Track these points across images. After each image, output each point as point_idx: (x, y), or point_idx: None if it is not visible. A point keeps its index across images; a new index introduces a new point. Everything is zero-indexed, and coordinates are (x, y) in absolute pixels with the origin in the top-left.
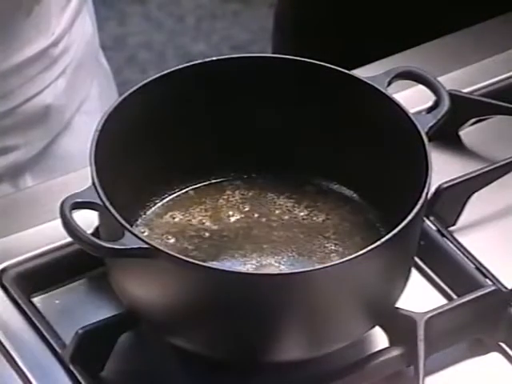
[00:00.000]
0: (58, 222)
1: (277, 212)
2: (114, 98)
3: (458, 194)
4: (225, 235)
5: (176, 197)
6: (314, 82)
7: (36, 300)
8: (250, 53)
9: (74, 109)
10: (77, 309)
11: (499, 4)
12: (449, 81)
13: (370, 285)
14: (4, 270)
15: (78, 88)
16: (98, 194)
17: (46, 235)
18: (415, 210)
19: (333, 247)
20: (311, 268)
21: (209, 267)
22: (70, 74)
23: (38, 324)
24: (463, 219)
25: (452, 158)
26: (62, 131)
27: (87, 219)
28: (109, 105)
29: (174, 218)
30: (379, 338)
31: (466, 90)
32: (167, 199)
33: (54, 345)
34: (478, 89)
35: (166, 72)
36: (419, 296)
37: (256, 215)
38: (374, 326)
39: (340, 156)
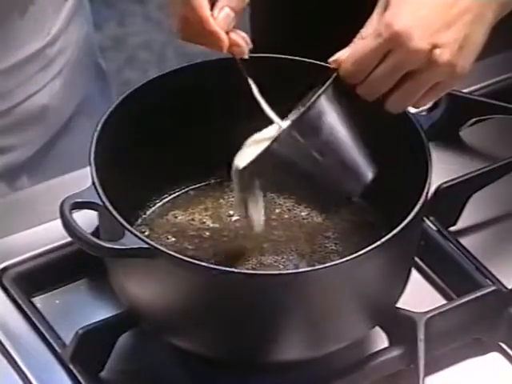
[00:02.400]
0: (58, 222)
1: (277, 211)
2: (112, 99)
3: (458, 193)
4: (225, 235)
5: (176, 197)
6: (315, 82)
7: (36, 300)
8: (250, 53)
9: (72, 109)
10: (77, 309)
11: None
12: None
13: (370, 285)
14: (4, 269)
15: (75, 88)
16: (98, 193)
17: (46, 235)
18: (415, 210)
19: (333, 247)
20: (311, 268)
21: (209, 267)
22: (67, 74)
23: (38, 324)
24: (463, 219)
25: (452, 158)
26: (59, 132)
27: (87, 219)
28: (107, 106)
29: (174, 218)
30: (379, 338)
31: (466, 90)
32: (167, 199)
33: (54, 345)
34: (478, 89)
35: (165, 72)
36: (419, 296)
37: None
38: (374, 326)
39: None
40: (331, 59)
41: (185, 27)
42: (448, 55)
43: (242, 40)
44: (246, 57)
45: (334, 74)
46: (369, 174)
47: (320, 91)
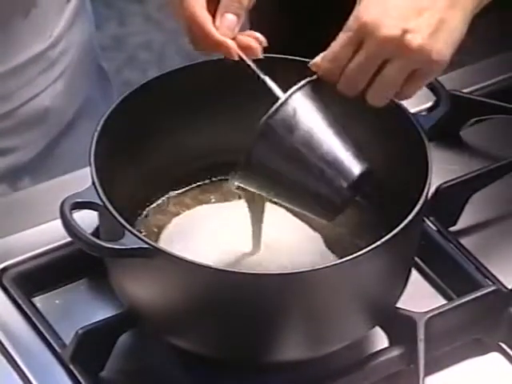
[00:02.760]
0: (58, 222)
1: (274, 213)
2: (113, 101)
3: (458, 193)
4: (225, 234)
5: (176, 197)
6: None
7: (36, 300)
8: None
9: (73, 111)
10: (77, 309)
11: (499, 5)
12: (449, 81)
13: (370, 285)
14: (4, 269)
15: (77, 90)
16: (98, 193)
17: (46, 235)
18: (415, 210)
19: None
20: (311, 268)
21: (209, 267)
22: (69, 76)
23: (38, 324)
24: (463, 219)
25: (452, 158)
26: (61, 134)
27: (87, 219)
28: (108, 107)
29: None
30: (379, 338)
31: (466, 90)
32: (167, 199)
33: (54, 345)
34: (478, 89)
35: (165, 72)
36: (419, 296)
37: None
38: (374, 326)
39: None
40: (310, 63)
41: (196, 41)
42: (420, 39)
43: (254, 41)
44: (260, 56)
45: (315, 76)
46: (355, 170)
47: (293, 89)
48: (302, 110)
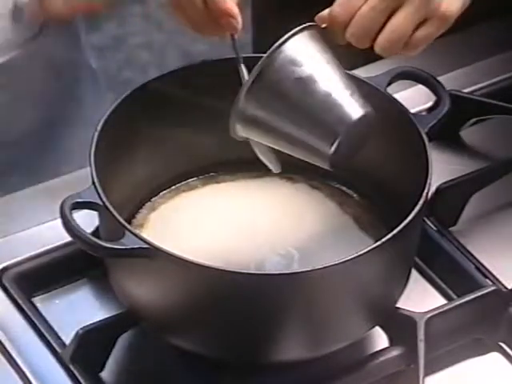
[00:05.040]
0: (58, 222)
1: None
2: (104, 100)
3: (458, 193)
4: (225, 233)
5: (176, 196)
6: None
7: (36, 300)
8: (250, 53)
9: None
10: (77, 309)
11: (499, 5)
12: (449, 81)
13: (370, 285)
14: (4, 269)
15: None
16: (98, 193)
17: (46, 235)
18: (415, 211)
19: None
20: (311, 268)
21: (209, 267)
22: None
23: (38, 324)
24: (463, 219)
25: (452, 158)
26: (54, 130)
27: (87, 219)
28: (98, 107)
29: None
30: (379, 338)
31: (466, 90)
32: (167, 198)
33: (54, 345)
34: (478, 89)
35: (166, 72)
36: (419, 296)
37: (257, 213)
38: (374, 326)
39: None
40: (317, 16)
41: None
42: None
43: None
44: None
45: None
46: (354, 114)
47: (300, 27)
48: (307, 49)
